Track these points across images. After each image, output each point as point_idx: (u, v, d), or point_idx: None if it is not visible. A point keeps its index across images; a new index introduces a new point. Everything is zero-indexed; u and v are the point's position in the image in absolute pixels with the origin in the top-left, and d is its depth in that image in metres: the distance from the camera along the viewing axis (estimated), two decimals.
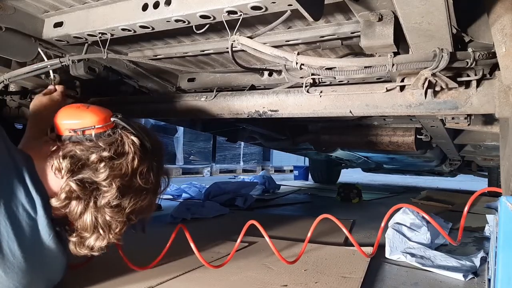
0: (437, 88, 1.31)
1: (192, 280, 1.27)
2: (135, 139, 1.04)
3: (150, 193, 1.09)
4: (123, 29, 1.30)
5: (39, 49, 1.52)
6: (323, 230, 1.97)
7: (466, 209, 1.20)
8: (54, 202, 0.98)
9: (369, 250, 1.63)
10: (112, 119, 1.06)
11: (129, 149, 1.02)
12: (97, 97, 1.97)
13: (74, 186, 0.97)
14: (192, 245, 1.29)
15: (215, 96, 1.71)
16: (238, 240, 1.39)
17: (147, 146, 1.07)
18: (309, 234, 1.41)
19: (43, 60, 1.54)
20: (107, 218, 1.01)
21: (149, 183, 1.06)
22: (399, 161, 4.20)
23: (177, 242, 1.38)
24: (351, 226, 2.32)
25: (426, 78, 1.22)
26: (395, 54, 1.15)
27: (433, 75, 1.19)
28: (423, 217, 1.82)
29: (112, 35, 1.36)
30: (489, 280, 1.24)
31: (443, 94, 1.34)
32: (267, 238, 1.33)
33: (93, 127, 1.02)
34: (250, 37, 1.17)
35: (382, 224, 1.42)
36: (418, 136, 2.70)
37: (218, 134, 3.56)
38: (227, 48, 1.21)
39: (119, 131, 1.04)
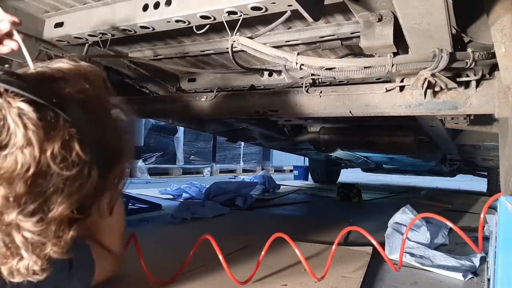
0: (437, 88, 1.31)
1: (193, 280, 1.28)
2: (24, 106, 0.59)
3: (87, 174, 0.65)
4: (123, 29, 1.31)
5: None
6: (323, 230, 1.97)
7: (482, 215, 1.13)
8: None
9: (369, 250, 1.64)
10: None
11: (15, 129, 0.58)
12: None
13: None
14: (221, 257, 1.21)
15: (215, 96, 1.72)
16: (264, 250, 1.34)
17: (53, 109, 0.61)
18: (334, 247, 1.36)
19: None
20: (27, 235, 0.62)
21: (75, 167, 0.62)
22: (399, 161, 4.20)
23: (179, 244, 1.38)
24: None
25: (425, 79, 1.22)
26: (395, 54, 1.16)
27: (433, 75, 1.20)
28: (422, 217, 1.83)
29: (112, 35, 1.37)
30: (489, 280, 1.25)
31: (443, 94, 1.34)
32: (297, 251, 1.27)
33: None
34: (250, 38, 1.17)
35: (404, 236, 1.35)
36: (417, 136, 2.71)
37: (218, 134, 3.56)
38: (227, 48, 1.21)
39: (3, 98, 0.59)
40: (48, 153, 0.60)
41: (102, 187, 0.71)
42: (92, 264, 0.98)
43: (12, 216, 0.60)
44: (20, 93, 0.59)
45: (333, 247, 1.33)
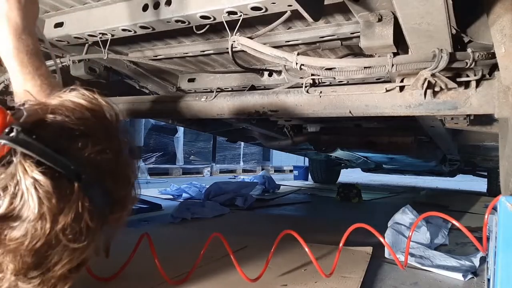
0: (437, 89, 1.31)
1: (199, 278, 1.28)
2: (40, 177, 0.55)
3: (92, 240, 0.64)
4: (123, 30, 1.31)
5: None
6: (323, 230, 1.97)
7: (486, 216, 1.14)
8: None
9: (369, 250, 1.64)
10: (2, 141, 0.55)
11: (29, 200, 0.55)
12: None
13: None
14: (231, 256, 1.24)
15: (215, 96, 1.72)
16: (273, 247, 1.35)
17: (70, 178, 0.59)
18: (341, 244, 1.36)
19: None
20: None
21: (82, 237, 0.61)
22: (399, 161, 4.21)
23: (180, 244, 1.38)
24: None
25: (425, 79, 1.22)
26: (395, 54, 1.16)
27: (433, 75, 1.19)
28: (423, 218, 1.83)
29: (112, 35, 1.37)
30: (489, 280, 1.25)
31: (443, 95, 1.34)
32: (306, 249, 1.29)
33: None
34: (250, 38, 1.17)
35: (410, 234, 1.35)
36: (417, 136, 2.71)
37: (218, 134, 3.56)
38: (227, 48, 1.21)
39: (18, 160, 0.55)
40: (59, 226, 0.58)
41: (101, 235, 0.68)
42: None
43: (12, 282, 0.59)
44: (37, 159, 0.55)
45: (340, 244, 1.34)
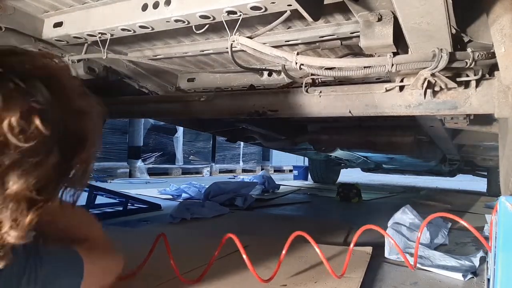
0: (437, 88, 1.31)
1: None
2: None
3: (47, 151, 0.64)
4: (122, 29, 1.31)
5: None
6: (323, 230, 1.97)
7: (492, 217, 1.15)
8: None
9: (369, 250, 1.63)
10: None
11: None
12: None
13: None
14: (244, 256, 1.22)
15: (214, 96, 1.72)
16: (285, 249, 1.33)
17: (15, 82, 0.61)
18: (352, 246, 1.36)
19: None
20: None
21: (33, 138, 0.61)
22: (399, 161, 4.21)
23: (179, 244, 1.37)
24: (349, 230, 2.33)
25: (425, 78, 1.22)
26: (395, 54, 1.16)
27: (433, 75, 1.19)
28: (422, 217, 1.83)
29: (111, 35, 1.37)
30: (489, 280, 1.25)
31: (442, 94, 1.34)
32: (317, 249, 1.28)
33: None
34: (250, 37, 1.17)
35: (419, 235, 1.36)
36: (417, 136, 2.71)
37: (218, 134, 3.56)
38: (227, 48, 1.21)
39: None
40: (5, 123, 0.58)
41: (63, 171, 0.69)
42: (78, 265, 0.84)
43: None
44: None
45: (351, 245, 1.34)
